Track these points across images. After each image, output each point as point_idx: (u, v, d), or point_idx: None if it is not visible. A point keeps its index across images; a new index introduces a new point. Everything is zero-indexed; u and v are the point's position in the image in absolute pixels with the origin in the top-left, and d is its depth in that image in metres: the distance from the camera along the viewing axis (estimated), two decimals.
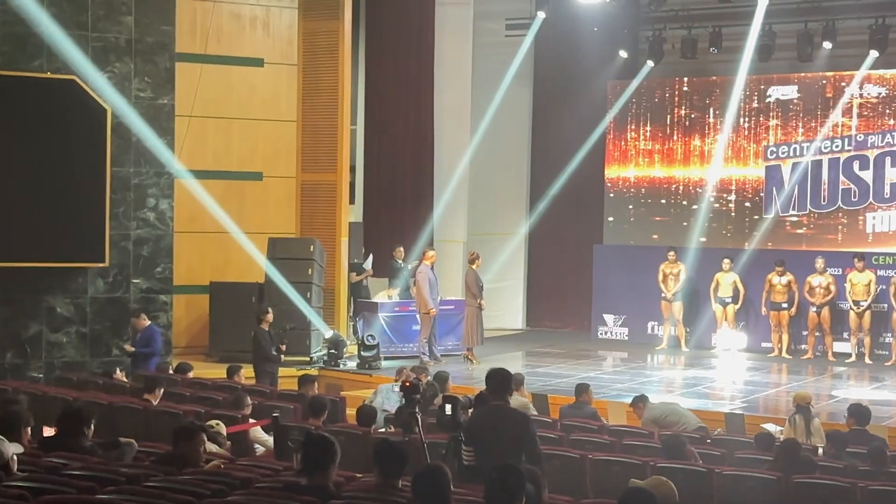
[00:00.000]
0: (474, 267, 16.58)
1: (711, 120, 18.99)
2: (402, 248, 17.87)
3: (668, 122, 19.40)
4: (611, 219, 19.79)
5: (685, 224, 19.13)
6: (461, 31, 19.92)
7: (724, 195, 18.94)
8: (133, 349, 13.84)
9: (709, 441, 9.93)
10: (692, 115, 19.21)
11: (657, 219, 19.40)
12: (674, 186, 19.30)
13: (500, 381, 7.40)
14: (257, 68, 17.46)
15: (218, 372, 13.47)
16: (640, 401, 11.21)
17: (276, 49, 17.62)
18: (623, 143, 19.73)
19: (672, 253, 18.06)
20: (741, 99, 18.64)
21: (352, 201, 19.23)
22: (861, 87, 17.88)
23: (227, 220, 16.29)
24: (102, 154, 14.63)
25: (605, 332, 19.16)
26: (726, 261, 17.71)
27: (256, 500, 5.77)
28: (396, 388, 10.31)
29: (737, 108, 18.65)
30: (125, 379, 12.68)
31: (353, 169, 19.30)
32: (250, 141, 17.43)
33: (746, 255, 18.06)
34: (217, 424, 8.98)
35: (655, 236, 19.25)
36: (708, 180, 19.01)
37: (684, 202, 19.21)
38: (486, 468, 5.33)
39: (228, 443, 9.03)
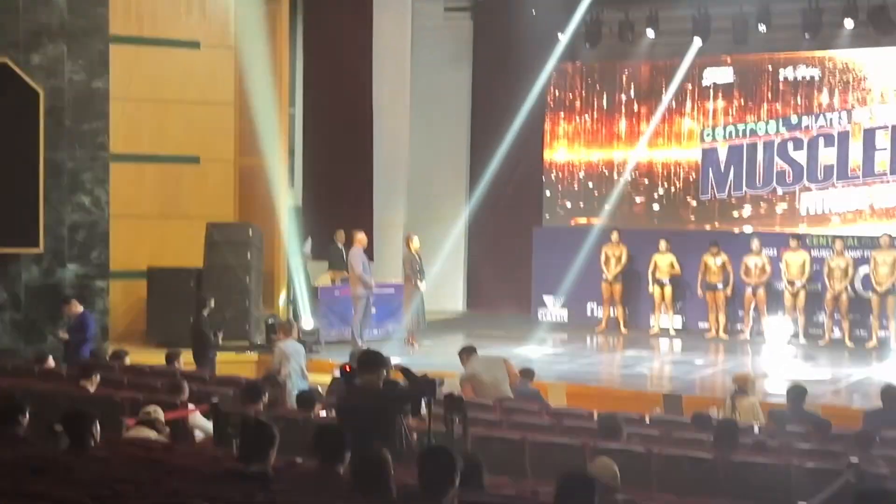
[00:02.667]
0: (411, 249, 16.53)
1: (649, 103, 19.11)
2: (342, 232, 17.78)
3: (606, 105, 19.49)
4: (555, 206, 19.86)
5: (623, 206, 19.28)
6: (400, 14, 19.81)
7: (661, 177, 19.09)
8: (67, 336, 13.62)
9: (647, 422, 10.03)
10: (630, 98, 19.30)
11: (595, 201, 19.49)
12: (612, 169, 19.40)
13: (367, 361, 7.61)
14: (193, 51, 17.22)
15: (156, 358, 13.32)
16: (465, 352, 11.13)
17: (212, 31, 17.38)
18: (562, 125, 19.80)
19: (615, 234, 18.17)
20: (678, 82, 18.77)
21: (291, 185, 19.09)
22: (795, 69, 18.07)
23: (164, 205, 16.12)
24: (35, 138, 14.40)
25: (546, 314, 19.23)
26: (663, 242, 17.84)
27: (195, 487, 5.71)
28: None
29: (673, 91, 18.78)
30: (56, 366, 12.48)
31: (292, 152, 19.15)
32: (187, 124, 17.18)
33: (683, 236, 18.23)
34: (155, 410, 8.89)
35: (594, 218, 19.34)
36: (644, 162, 19.16)
37: (622, 185, 19.32)
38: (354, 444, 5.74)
39: (167, 429, 8.95)
